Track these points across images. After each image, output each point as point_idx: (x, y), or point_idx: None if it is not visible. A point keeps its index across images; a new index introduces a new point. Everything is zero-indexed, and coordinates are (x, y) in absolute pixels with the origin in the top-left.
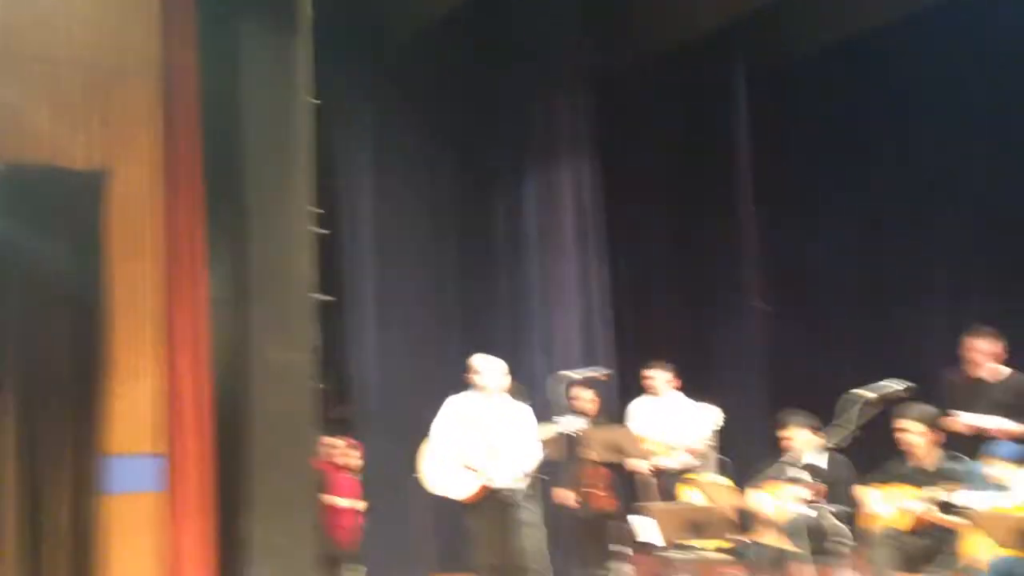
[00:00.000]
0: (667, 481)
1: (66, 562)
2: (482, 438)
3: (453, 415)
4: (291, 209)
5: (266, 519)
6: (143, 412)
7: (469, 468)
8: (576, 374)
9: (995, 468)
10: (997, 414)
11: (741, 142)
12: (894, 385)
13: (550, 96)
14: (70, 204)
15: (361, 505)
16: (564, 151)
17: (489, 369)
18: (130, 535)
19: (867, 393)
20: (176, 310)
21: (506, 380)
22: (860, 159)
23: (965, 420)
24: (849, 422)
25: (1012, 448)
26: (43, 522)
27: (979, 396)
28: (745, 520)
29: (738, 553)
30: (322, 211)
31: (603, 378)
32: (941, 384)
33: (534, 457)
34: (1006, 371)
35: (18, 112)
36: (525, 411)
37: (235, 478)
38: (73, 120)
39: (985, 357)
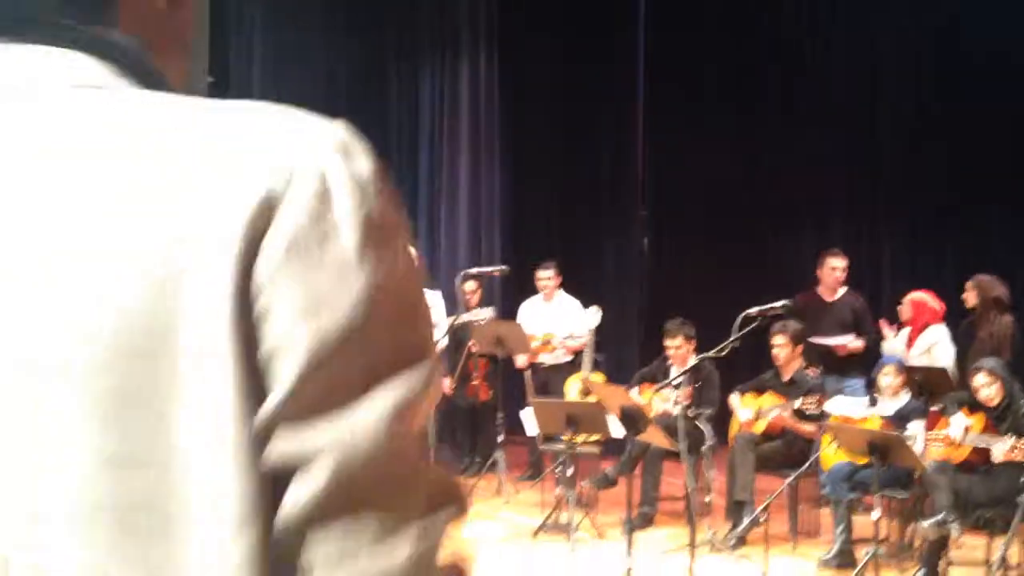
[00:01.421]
0: (547, 376)
1: None
2: None
3: None
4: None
5: None
6: None
7: None
8: (476, 271)
9: (885, 378)
10: (839, 331)
11: (637, 47)
12: (776, 304)
13: None
14: None
15: None
16: (462, 43)
17: None
18: None
19: (751, 311)
20: None
21: None
22: (749, 82)
23: (815, 341)
24: (730, 335)
25: (896, 359)
26: None
27: (825, 315)
28: (628, 419)
29: (608, 448)
30: (212, 79)
31: (498, 274)
32: (795, 306)
33: None
34: (843, 290)
35: None
36: (435, 299)
37: None
38: None
39: (843, 275)
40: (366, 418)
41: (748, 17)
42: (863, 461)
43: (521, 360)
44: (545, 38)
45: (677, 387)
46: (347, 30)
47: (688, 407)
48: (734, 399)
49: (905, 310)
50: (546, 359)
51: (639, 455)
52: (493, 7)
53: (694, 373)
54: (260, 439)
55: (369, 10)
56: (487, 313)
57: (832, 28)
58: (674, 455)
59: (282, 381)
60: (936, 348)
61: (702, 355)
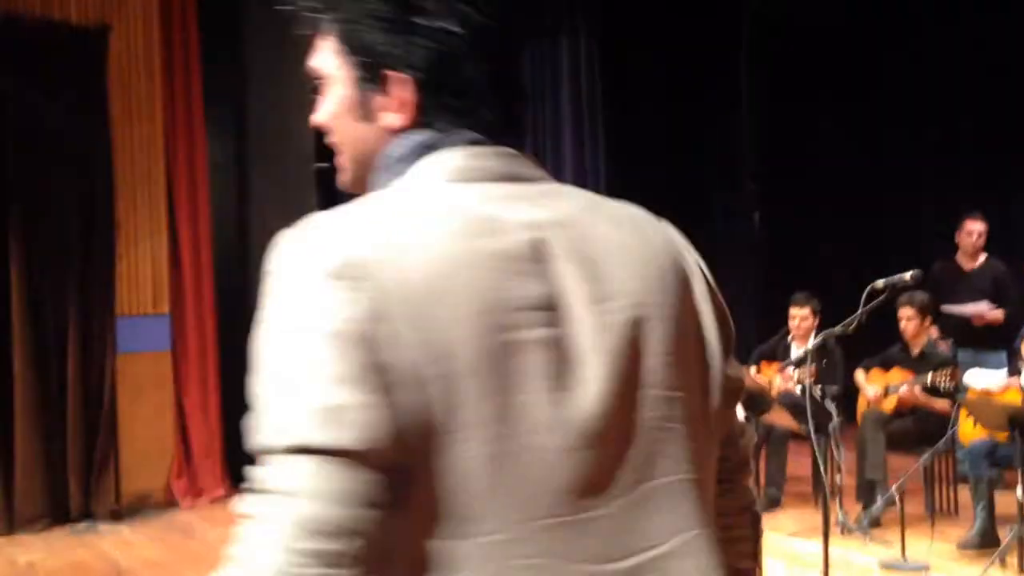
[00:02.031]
0: None
1: (83, 420)
2: None
3: None
4: (290, 74)
5: None
6: (147, 274)
7: None
8: None
9: None
10: (977, 299)
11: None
12: (905, 275)
13: None
14: (73, 61)
15: None
16: (563, 24)
17: None
18: (141, 392)
19: (878, 283)
20: (176, 174)
21: None
22: (864, 54)
23: (946, 309)
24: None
25: None
26: (58, 382)
27: (962, 283)
28: (751, 400)
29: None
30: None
31: None
32: (931, 275)
33: None
34: (982, 257)
35: None
36: None
37: (238, 340)
38: None
39: (982, 239)
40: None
41: None
42: (1004, 437)
43: None
44: (650, 21)
45: (799, 365)
46: None
47: (813, 385)
48: (859, 375)
49: None
50: None
51: (763, 437)
52: None
53: (818, 351)
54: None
55: None
56: None
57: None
58: (798, 435)
59: (732, 339)
60: None
61: (827, 331)
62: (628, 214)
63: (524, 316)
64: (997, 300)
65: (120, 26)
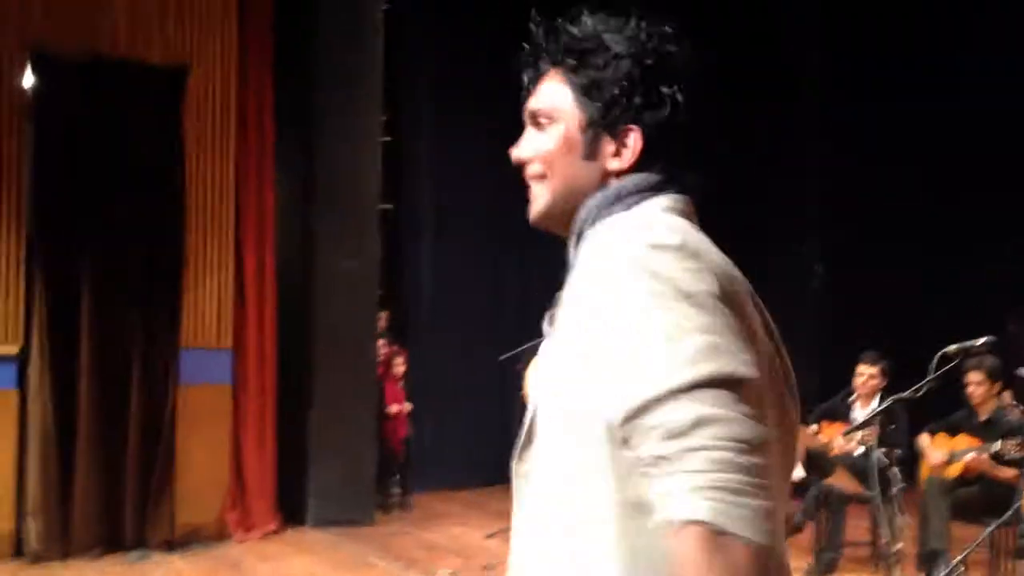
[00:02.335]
0: None
1: (142, 449)
2: None
3: None
4: (360, 116)
5: (327, 419)
6: (212, 309)
7: None
8: None
9: None
10: None
11: (811, 66)
12: (977, 341)
13: (619, 8)
14: (153, 98)
15: (407, 407)
16: None
17: None
18: (200, 425)
19: (950, 348)
20: (244, 211)
21: None
22: (935, 97)
23: (1020, 373)
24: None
25: None
26: (120, 410)
27: None
28: (813, 461)
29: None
30: (384, 118)
31: None
32: (1004, 335)
33: None
34: None
35: (98, 7)
36: None
37: (297, 378)
38: (150, 16)
39: None
40: None
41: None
42: None
43: None
44: (716, 65)
45: (864, 427)
46: (507, 91)
47: (877, 448)
48: (924, 440)
49: None
50: None
51: (822, 499)
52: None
53: (886, 414)
54: None
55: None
56: None
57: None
58: (857, 498)
59: None
60: None
61: (895, 396)
62: None
63: (760, 332)
64: None
65: (199, 67)
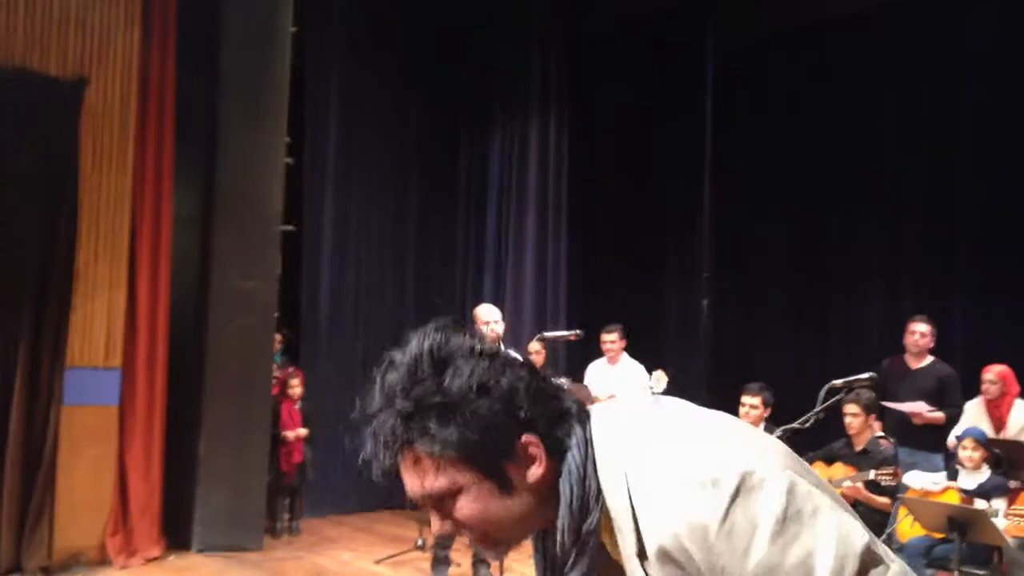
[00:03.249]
0: None
1: (22, 470)
2: None
3: None
4: (264, 135)
5: (217, 442)
6: (102, 326)
7: None
8: (552, 335)
9: (964, 451)
10: (919, 399)
11: (704, 113)
12: (862, 376)
13: (523, 49)
14: (47, 111)
15: (303, 432)
16: (532, 107)
17: (498, 321)
18: (84, 446)
19: (836, 382)
20: (140, 226)
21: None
22: (811, 146)
23: (887, 405)
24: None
25: (978, 431)
26: (1, 430)
27: (907, 382)
28: None
29: None
30: (288, 139)
31: (574, 338)
32: (879, 371)
33: None
34: (929, 359)
35: None
36: None
37: (188, 399)
38: (48, 25)
39: (925, 340)
40: None
41: (816, 83)
42: (941, 536)
43: None
44: (614, 104)
45: None
46: (418, 94)
47: None
48: None
49: (995, 386)
50: None
51: None
52: (563, 73)
53: None
54: None
55: (441, 74)
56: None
57: (908, 98)
58: None
59: None
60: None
61: (784, 427)
62: None
63: None
64: (940, 401)
65: (98, 79)
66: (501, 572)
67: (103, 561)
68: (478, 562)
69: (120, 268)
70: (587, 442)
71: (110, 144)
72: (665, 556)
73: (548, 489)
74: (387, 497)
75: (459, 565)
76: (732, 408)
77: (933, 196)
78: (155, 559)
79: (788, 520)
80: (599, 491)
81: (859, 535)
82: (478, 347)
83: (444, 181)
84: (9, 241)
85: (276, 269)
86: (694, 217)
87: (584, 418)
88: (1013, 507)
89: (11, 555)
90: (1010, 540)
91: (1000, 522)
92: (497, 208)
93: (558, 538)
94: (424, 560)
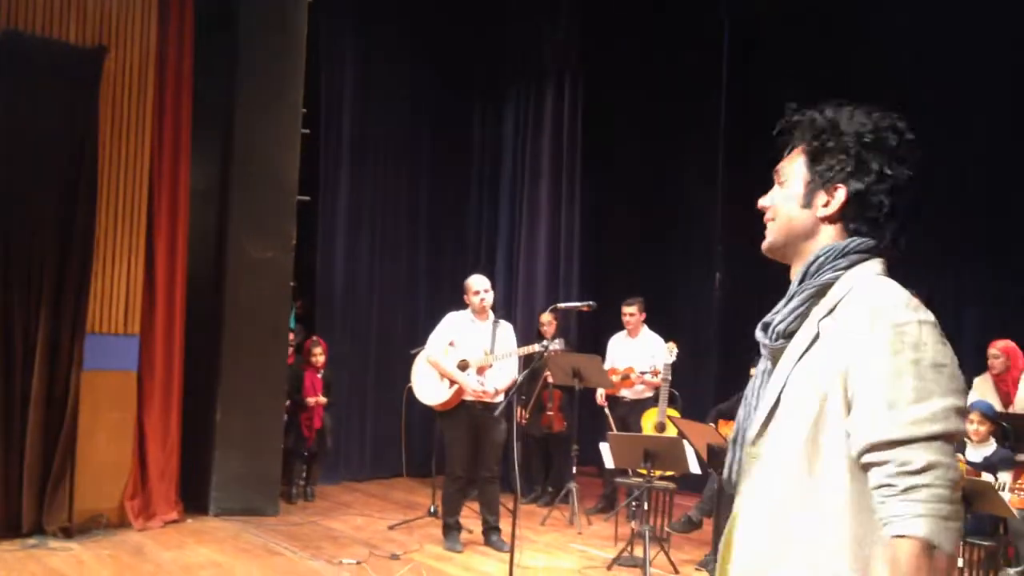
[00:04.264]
0: (627, 410)
1: (43, 434)
2: (471, 355)
3: (450, 330)
4: (281, 107)
5: (234, 408)
6: (121, 293)
7: (455, 380)
8: (564, 306)
9: (971, 425)
10: None
11: (720, 81)
12: None
13: (536, 19)
14: (67, 79)
15: (323, 400)
16: (546, 77)
17: (486, 290)
18: (104, 411)
19: None
20: (158, 196)
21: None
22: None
23: None
24: None
25: (984, 404)
26: (21, 394)
27: None
28: (714, 456)
29: (683, 483)
30: (304, 110)
31: (587, 309)
32: None
33: (510, 377)
34: None
35: None
36: (510, 331)
37: (205, 366)
38: None
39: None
40: None
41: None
42: None
43: (600, 395)
44: (628, 74)
45: None
46: (433, 62)
47: None
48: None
49: (999, 361)
50: (626, 394)
51: (720, 493)
52: (577, 43)
53: None
54: None
55: (455, 42)
56: (556, 345)
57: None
58: None
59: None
60: None
61: None
62: None
63: None
64: None
65: (117, 49)
66: (512, 538)
67: (122, 523)
68: (489, 529)
69: (139, 236)
70: (859, 256)
71: (128, 113)
72: (842, 313)
73: (813, 232)
74: (400, 466)
75: (470, 531)
76: (742, 378)
77: (945, 168)
78: (173, 522)
79: (921, 364)
80: (829, 279)
81: (958, 423)
82: (895, 144)
83: (458, 151)
84: (30, 208)
85: (292, 239)
86: (708, 187)
87: (870, 255)
88: (1019, 480)
89: (33, 516)
90: (1016, 512)
91: (1005, 495)
92: (511, 178)
93: (793, 277)
94: (436, 526)
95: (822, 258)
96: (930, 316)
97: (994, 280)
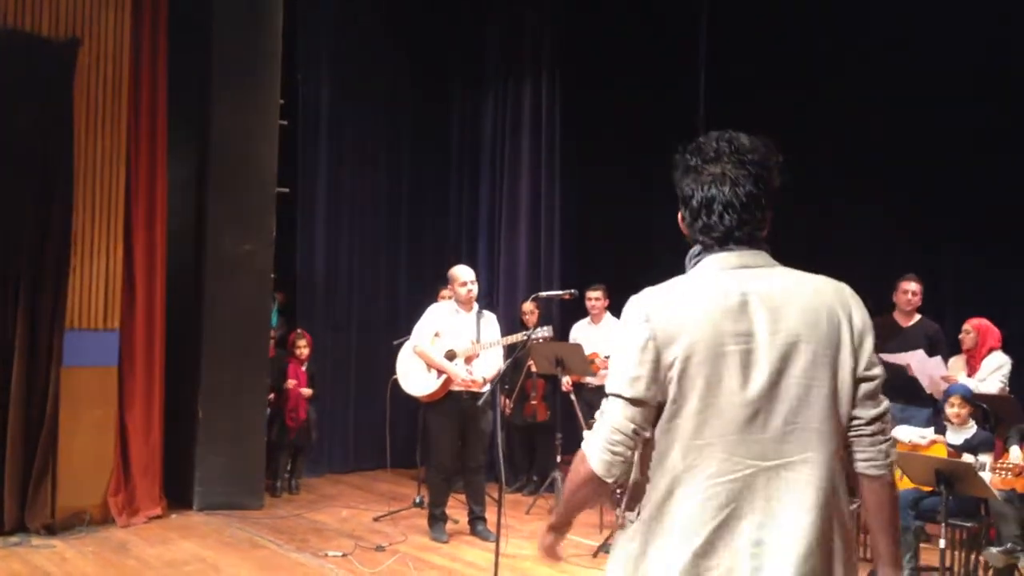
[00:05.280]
0: (592, 396)
1: (23, 432)
2: (458, 345)
3: (435, 321)
4: (257, 97)
5: (216, 402)
6: (100, 288)
7: (444, 370)
8: (545, 295)
9: (951, 408)
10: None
11: (699, 74)
12: None
13: (516, 10)
14: (41, 72)
15: (307, 392)
16: (526, 68)
17: (472, 281)
18: (85, 407)
19: None
20: (136, 190)
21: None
22: (806, 99)
23: (887, 359)
24: None
25: (963, 388)
26: (1, 392)
27: (897, 339)
28: None
29: None
30: (281, 101)
31: (568, 297)
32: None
33: (496, 366)
34: (918, 316)
35: None
36: (493, 321)
37: (186, 361)
38: None
39: (917, 298)
40: None
41: (807, 39)
42: (929, 489)
43: (565, 381)
44: (608, 65)
45: None
46: (411, 55)
47: None
48: None
49: (969, 336)
50: (591, 380)
51: None
52: (556, 33)
53: None
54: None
55: (434, 37)
56: (544, 332)
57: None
58: None
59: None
60: (999, 373)
61: None
62: (810, 280)
63: (731, 339)
64: (929, 357)
65: (91, 41)
66: (498, 527)
67: (105, 520)
68: (475, 519)
69: (116, 230)
70: (703, 254)
71: (103, 105)
72: None
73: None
74: (383, 457)
75: (456, 521)
76: None
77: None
78: (157, 517)
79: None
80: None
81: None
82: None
83: (438, 141)
84: (6, 203)
85: (271, 231)
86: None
87: (721, 249)
88: (999, 461)
89: (15, 515)
90: (997, 493)
91: (986, 476)
92: (491, 168)
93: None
94: (421, 517)
95: (687, 260)
96: (637, 312)
97: (988, 268)
